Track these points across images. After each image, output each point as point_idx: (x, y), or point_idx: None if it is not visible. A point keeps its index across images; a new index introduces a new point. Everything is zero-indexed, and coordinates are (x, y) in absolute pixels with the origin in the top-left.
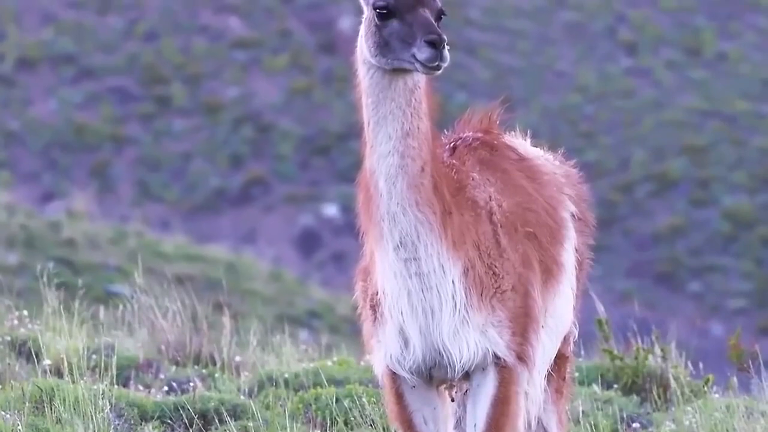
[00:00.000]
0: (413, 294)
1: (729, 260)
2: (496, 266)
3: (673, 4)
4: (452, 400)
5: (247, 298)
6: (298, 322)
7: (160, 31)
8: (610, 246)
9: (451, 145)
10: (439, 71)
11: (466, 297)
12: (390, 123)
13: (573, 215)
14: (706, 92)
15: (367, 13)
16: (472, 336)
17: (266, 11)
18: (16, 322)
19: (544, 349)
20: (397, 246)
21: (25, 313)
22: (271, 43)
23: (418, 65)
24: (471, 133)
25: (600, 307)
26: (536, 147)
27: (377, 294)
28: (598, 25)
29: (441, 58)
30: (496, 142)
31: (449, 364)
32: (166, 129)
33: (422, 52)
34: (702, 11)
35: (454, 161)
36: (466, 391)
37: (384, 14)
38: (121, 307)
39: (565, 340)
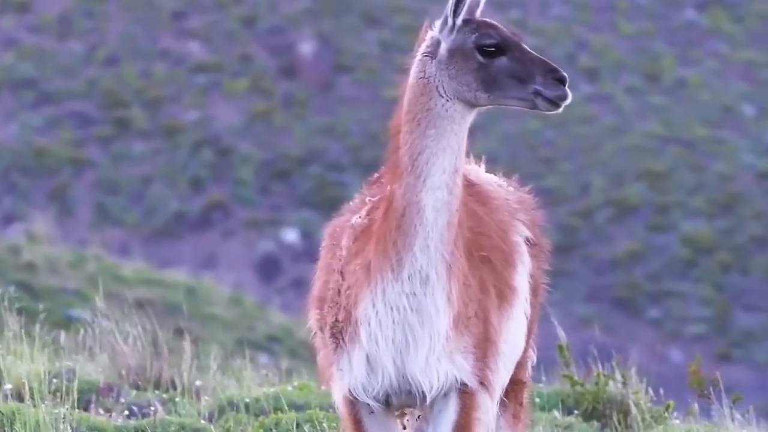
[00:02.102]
0: (404, 327)
1: (688, 286)
2: (464, 294)
3: (633, 30)
4: (404, 428)
5: (207, 323)
6: (258, 347)
7: (121, 56)
8: (569, 271)
9: None
10: (560, 109)
11: (448, 333)
12: (448, 156)
13: (528, 240)
14: (666, 118)
15: (455, 47)
16: (443, 366)
17: (227, 36)
18: None
19: (500, 374)
20: (408, 279)
21: None
22: (231, 68)
23: (540, 101)
24: None
25: (561, 333)
26: (490, 173)
27: (339, 321)
28: (558, 51)
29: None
30: None
31: (418, 393)
32: (125, 152)
33: (553, 90)
34: (661, 37)
35: None
36: (419, 416)
37: (492, 52)
38: (81, 331)
39: (523, 365)
